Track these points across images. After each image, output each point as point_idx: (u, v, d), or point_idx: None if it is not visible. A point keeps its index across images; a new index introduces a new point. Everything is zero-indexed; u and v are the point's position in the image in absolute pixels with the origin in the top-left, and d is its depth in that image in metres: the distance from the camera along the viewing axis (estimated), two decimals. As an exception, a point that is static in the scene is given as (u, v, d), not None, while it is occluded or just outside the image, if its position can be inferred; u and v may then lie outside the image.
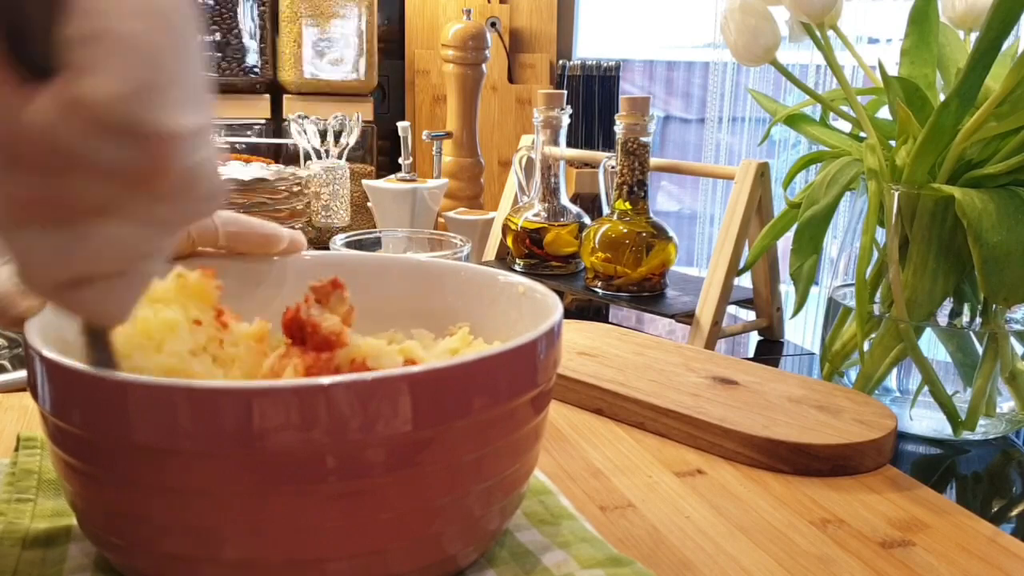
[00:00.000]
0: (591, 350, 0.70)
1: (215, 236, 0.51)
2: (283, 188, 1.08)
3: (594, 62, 1.56)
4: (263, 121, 1.40)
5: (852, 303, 0.66)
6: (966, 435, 0.64)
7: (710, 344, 0.86)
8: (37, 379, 0.36)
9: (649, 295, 0.95)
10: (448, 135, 1.34)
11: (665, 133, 2.22)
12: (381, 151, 1.50)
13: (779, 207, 0.80)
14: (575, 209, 1.05)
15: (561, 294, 0.99)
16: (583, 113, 1.56)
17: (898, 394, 0.67)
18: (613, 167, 0.96)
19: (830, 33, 0.68)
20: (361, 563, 0.37)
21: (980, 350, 0.64)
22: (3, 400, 0.62)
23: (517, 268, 1.05)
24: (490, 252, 1.13)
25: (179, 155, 0.29)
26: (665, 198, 2.18)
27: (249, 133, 1.37)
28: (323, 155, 1.23)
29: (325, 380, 0.33)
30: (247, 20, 1.35)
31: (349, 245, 0.76)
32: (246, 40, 1.36)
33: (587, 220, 1.04)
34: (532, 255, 1.04)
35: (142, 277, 0.33)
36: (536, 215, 1.04)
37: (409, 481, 0.36)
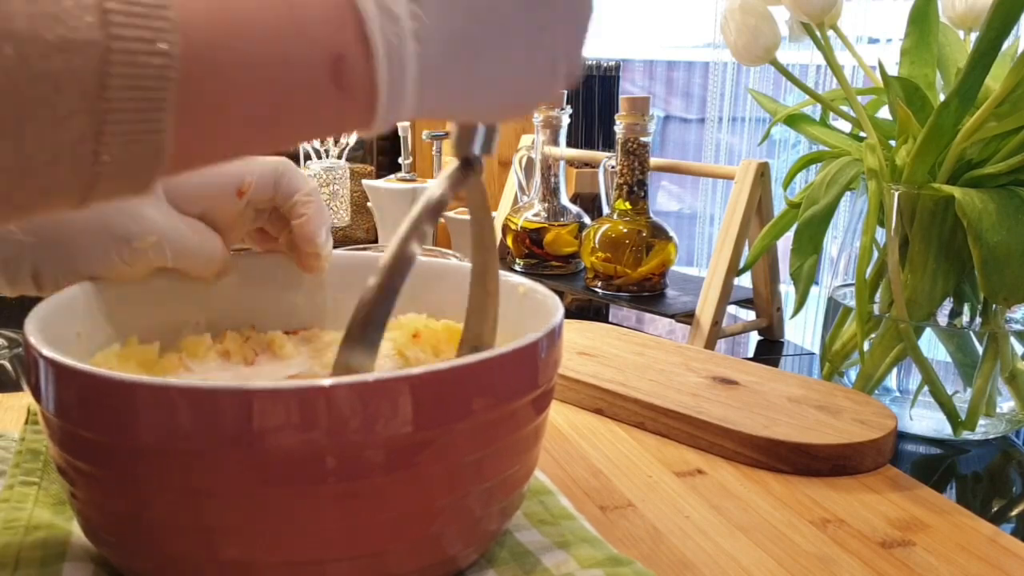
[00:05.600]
0: (591, 350, 0.70)
1: (289, 198, 0.51)
2: (283, 188, 1.08)
3: (594, 62, 1.56)
4: (263, 121, 1.40)
5: (852, 303, 0.66)
6: (966, 435, 0.64)
7: (710, 344, 0.86)
8: (37, 379, 0.36)
9: (649, 295, 0.94)
10: (448, 135, 1.34)
11: (665, 133, 2.22)
12: (381, 151, 1.50)
13: (779, 207, 0.80)
14: (575, 209, 1.05)
15: (561, 294, 0.99)
16: (583, 113, 1.55)
17: (898, 394, 0.67)
18: (613, 167, 0.96)
19: (830, 33, 0.68)
20: (361, 564, 0.37)
21: (980, 350, 0.64)
22: (3, 400, 0.62)
23: (517, 268, 1.05)
24: (490, 252, 1.13)
25: None
26: (665, 198, 2.18)
27: (249, 133, 1.37)
28: (323, 155, 1.23)
29: (326, 381, 0.33)
30: (247, 20, 1.35)
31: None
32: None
33: (587, 220, 1.04)
34: (532, 255, 1.04)
35: None
36: (536, 215, 1.04)
37: (409, 482, 0.36)
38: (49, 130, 0.25)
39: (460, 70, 0.33)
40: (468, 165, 0.41)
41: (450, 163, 0.41)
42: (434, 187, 0.40)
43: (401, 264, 0.37)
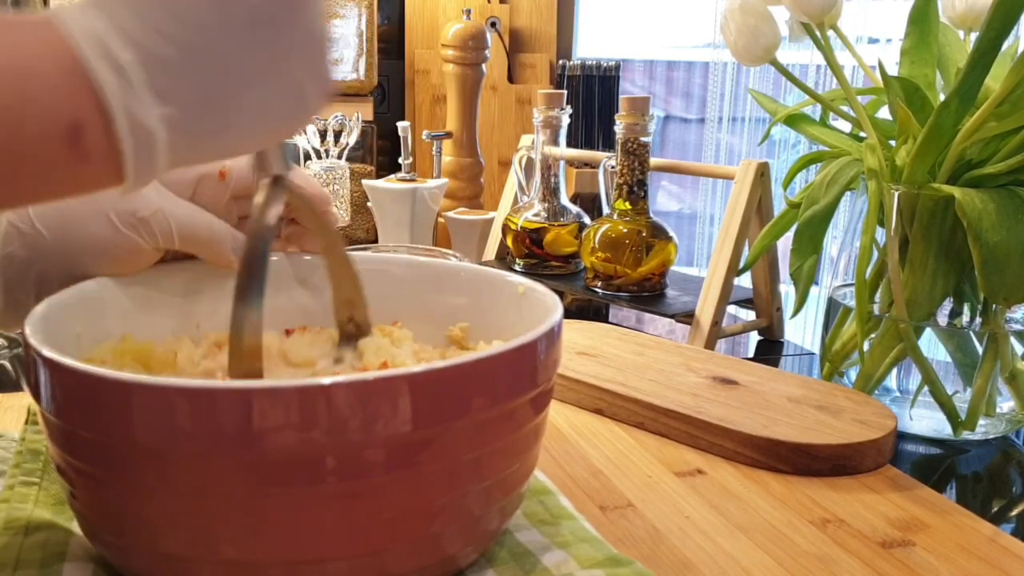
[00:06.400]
0: (591, 350, 0.70)
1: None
2: (283, 188, 1.08)
3: (594, 62, 1.56)
4: (263, 121, 1.40)
5: (852, 303, 0.66)
6: (966, 435, 0.64)
7: (710, 344, 0.86)
8: (37, 379, 0.36)
9: (649, 295, 0.94)
10: (448, 135, 1.34)
11: (665, 133, 2.22)
12: (381, 151, 1.50)
13: (779, 207, 0.80)
14: (575, 209, 1.05)
15: (561, 294, 0.99)
16: (583, 113, 1.56)
17: (898, 394, 0.67)
18: (613, 167, 0.96)
19: (830, 33, 0.68)
20: (361, 563, 0.37)
21: (980, 350, 0.64)
22: (3, 400, 0.62)
23: (517, 268, 1.05)
24: (490, 252, 1.13)
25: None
26: (665, 198, 2.18)
27: (249, 133, 1.38)
28: (323, 155, 1.23)
29: (325, 380, 0.33)
30: (247, 20, 1.35)
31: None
32: (246, 40, 1.36)
33: (587, 220, 1.04)
34: (532, 255, 1.04)
35: None
36: (536, 215, 1.04)
37: (409, 481, 0.36)
38: None
39: (209, 116, 0.33)
40: (278, 182, 0.43)
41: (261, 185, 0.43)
42: (254, 217, 0.42)
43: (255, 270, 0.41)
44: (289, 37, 0.34)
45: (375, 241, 1.27)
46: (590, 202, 1.25)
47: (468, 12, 1.42)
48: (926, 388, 0.64)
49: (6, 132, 0.30)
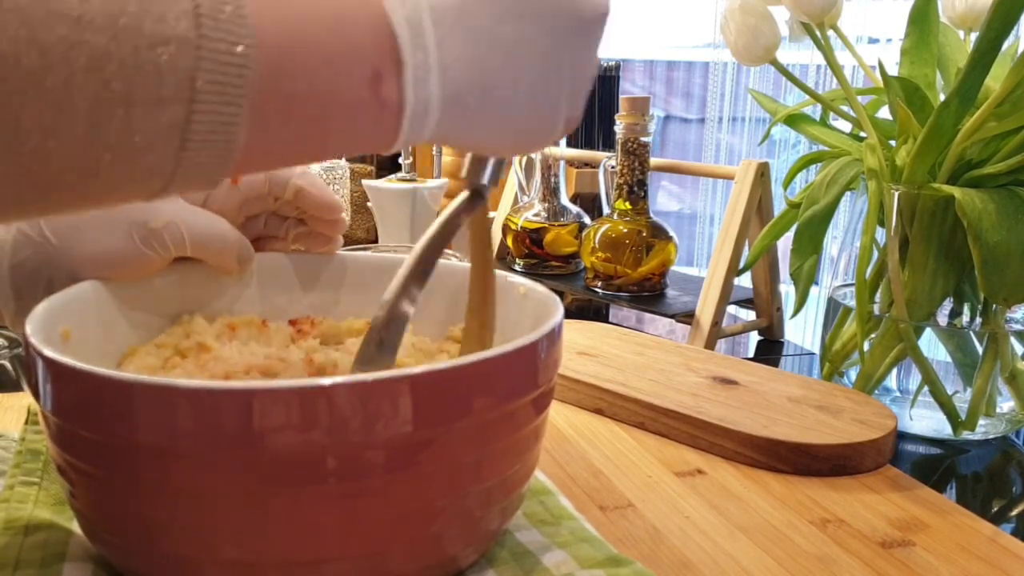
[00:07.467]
0: (591, 350, 0.70)
1: (284, 184, 0.52)
2: (283, 188, 1.08)
3: (594, 62, 1.56)
4: (263, 121, 1.40)
5: (852, 303, 0.66)
6: (966, 435, 0.64)
7: (710, 344, 0.86)
8: (37, 379, 0.36)
9: (649, 295, 0.95)
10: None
11: (665, 133, 2.21)
12: (381, 151, 1.50)
13: (779, 207, 0.80)
14: (575, 209, 1.05)
15: (561, 294, 0.99)
16: (583, 113, 1.56)
17: (898, 394, 0.67)
18: (613, 167, 0.96)
19: (830, 33, 0.68)
20: (361, 564, 0.37)
21: (980, 350, 0.64)
22: (3, 400, 0.62)
23: (517, 268, 1.05)
24: (490, 252, 1.13)
25: None
26: (665, 198, 2.18)
27: (249, 133, 1.38)
28: (323, 155, 1.23)
29: (326, 380, 0.33)
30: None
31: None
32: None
33: (587, 220, 1.04)
34: (532, 255, 1.04)
35: None
36: (536, 215, 1.04)
37: (409, 482, 0.36)
38: (151, 114, 0.28)
39: (475, 101, 0.34)
40: (478, 194, 0.43)
41: (461, 193, 0.43)
42: (444, 216, 0.42)
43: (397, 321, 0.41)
44: (568, 58, 0.36)
45: (375, 241, 1.27)
46: (590, 202, 1.25)
47: (468, 12, 1.42)
48: (926, 388, 0.64)
49: (330, 72, 0.31)
